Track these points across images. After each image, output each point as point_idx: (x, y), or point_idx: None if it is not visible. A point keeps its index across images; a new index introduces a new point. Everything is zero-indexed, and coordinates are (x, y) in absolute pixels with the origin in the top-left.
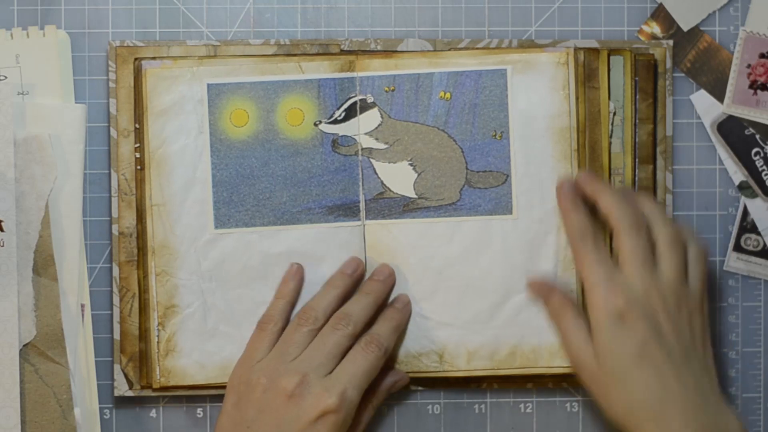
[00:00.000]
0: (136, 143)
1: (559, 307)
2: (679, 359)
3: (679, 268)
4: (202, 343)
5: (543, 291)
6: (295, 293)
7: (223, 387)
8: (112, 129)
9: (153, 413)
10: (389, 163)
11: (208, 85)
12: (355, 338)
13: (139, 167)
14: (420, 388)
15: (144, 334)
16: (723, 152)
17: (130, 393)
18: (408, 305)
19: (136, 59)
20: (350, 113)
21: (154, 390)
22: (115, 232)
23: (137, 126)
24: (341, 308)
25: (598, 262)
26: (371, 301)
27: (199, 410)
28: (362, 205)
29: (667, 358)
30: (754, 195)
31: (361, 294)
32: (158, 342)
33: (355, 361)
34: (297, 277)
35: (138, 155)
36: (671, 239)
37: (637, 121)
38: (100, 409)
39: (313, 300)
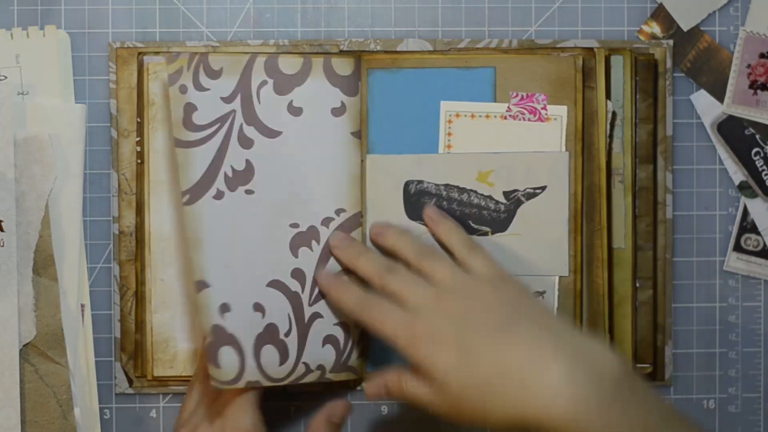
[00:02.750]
0: (137, 137)
1: (392, 387)
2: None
3: (450, 265)
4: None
5: (378, 388)
6: None
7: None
8: (112, 129)
9: (153, 413)
10: None
11: None
12: None
13: (139, 161)
14: None
15: (140, 326)
16: (723, 152)
17: (130, 390)
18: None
19: (139, 53)
20: None
21: (149, 381)
22: (115, 231)
23: (139, 120)
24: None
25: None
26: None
27: None
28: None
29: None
30: (754, 195)
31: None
32: (152, 332)
33: None
34: None
35: (139, 149)
36: (421, 251)
37: (637, 121)
38: (100, 408)
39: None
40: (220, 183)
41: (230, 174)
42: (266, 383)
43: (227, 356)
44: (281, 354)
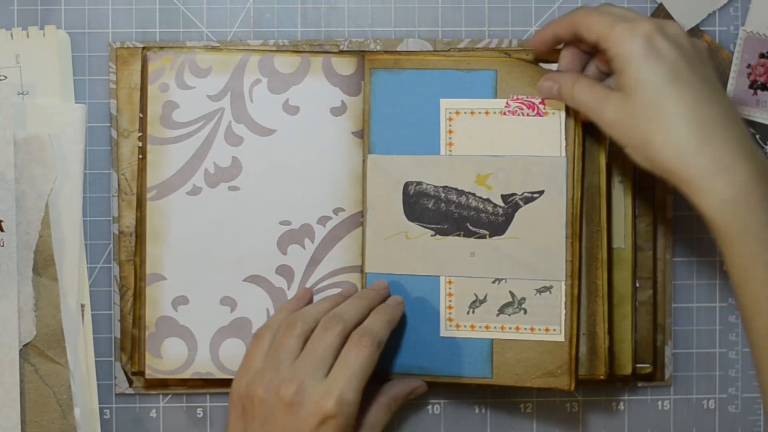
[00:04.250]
0: (139, 132)
1: (575, 85)
2: (709, 84)
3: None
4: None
5: (550, 86)
6: (297, 309)
7: (217, 381)
8: (112, 129)
9: (153, 413)
10: None
11: None
12: (347, 337)
13: (140, 156)
14: None
15: (137, 322)
16: None
17: (130, 391)
18: (401, 304)
19: (144, 48)
20: None
21: (147, 380)
22: (115, 231)
23: (141, 115)
24: (332, 310)
25: (591, 12)
26: (364, 305)
27: (199, 410)
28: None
29: (703, 79)
30: None
31: (353, 297)
32: (147, 329)
33: (349, 360)
34: (306, 297)
35: (140, 144)
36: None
37: None
38: (100, 408)
39: (306, 307)
40: (198, 179)
41: (212, 170)
42: (221, 375)
43: (173, 347)
44: None
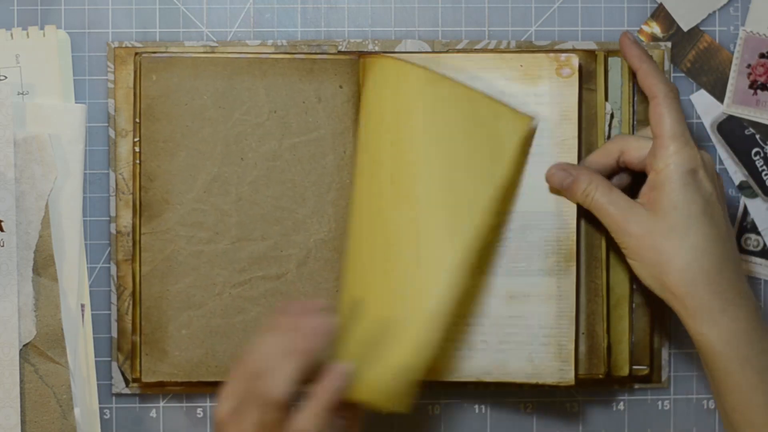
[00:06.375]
0: (135, 137)
1: (583, 198)
2: (727, 222)
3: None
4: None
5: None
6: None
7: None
8: (110, 129)
9: (153, 413)
10: None
11: None
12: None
13: (137, 161)
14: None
15: (136, 328)
16: (723, 152)
17: (127, 391)
18: (338, 378)
19: (136, 54)
20: None
21: (144, 386)
22: (112, 231)
23: (137, 120)
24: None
25: (670, 114)
26: (294, 368)
27: (199, 410)
28: None
29: (724, 217)
30: (754, 195)
31: (312, 403)
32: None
33: None
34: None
35: (137, 149)
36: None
37: (635, 122)
38: (100, 408)
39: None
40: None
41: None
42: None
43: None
44: None
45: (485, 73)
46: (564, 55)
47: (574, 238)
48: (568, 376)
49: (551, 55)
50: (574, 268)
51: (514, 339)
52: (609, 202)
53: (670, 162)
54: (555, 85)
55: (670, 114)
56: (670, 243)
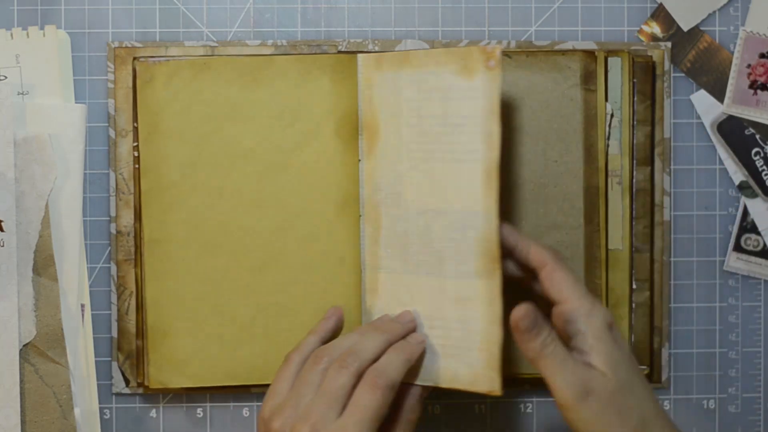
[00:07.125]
0: (134, 142)
1: (540, 348)
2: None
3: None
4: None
5: (524, 331)
6: (331, 332)
7: (220, 388)
8: (110, 129)
9: (153, 413)
10: None
11: None
12: (362, 374)
13: (137, 165)
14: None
15: (141, 332)
16: (723, 152)
17: (127, 391)
18: (422, 343)
19: (134, 59)
20: None
21: (148, 390)
22: (113, 231)
23: (135, 125)
24: (351, 345)
25: (568, 276)
26: (383, 340)
27: (199, 410)
28: None
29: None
30: (754, 195)
31: (374, 330)
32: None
33: (360, 404)
34: (335, 316)
35: (136, 154)
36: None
37: (635, 123)
38: (100, 409)
39: (335, 341)
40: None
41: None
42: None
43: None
44: None
45: (439, 67)
46: (490, 46)
47: (497, 238)
48: (495, 385)
49: (480, 47)
50: (498, 271)
51: (461, 344)
52: (568, 371)
53: (591, 322)
54: (484, 78)
55: (568, 276)
56: (623, 403)
